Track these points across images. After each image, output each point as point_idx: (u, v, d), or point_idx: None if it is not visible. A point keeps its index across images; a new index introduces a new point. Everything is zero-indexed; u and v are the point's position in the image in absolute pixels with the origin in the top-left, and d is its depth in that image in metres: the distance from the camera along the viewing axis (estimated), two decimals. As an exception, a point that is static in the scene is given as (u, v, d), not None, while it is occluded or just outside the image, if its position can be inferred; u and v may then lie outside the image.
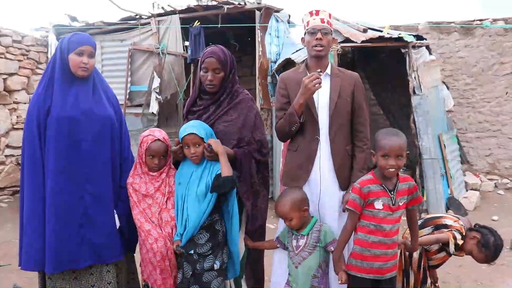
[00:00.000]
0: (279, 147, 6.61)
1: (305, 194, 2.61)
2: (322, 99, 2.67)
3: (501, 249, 2.74)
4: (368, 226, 2.39)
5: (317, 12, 2.65)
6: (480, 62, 8.00)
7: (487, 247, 2.72)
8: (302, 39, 2.76)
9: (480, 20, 7.91)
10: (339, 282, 2.45)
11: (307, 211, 2.59)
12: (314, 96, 2.60)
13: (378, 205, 2.36)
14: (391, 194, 2.37)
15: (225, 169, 2.44)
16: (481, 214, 6.12)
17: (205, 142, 2.51)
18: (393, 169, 2.31)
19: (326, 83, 2.67)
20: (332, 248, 2.52)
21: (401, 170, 2.46)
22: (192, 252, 2.48)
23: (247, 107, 2.68)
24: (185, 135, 2.51)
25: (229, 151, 2.54)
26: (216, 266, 2.50)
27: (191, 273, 2.48)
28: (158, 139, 2.56)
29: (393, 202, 2.37)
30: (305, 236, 2.57)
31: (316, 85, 2.49)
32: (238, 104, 2.67)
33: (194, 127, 2.54)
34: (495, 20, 7.81)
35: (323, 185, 2.65)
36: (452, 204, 6.06)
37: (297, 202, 2.55)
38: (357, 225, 2.45)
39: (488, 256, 2.72)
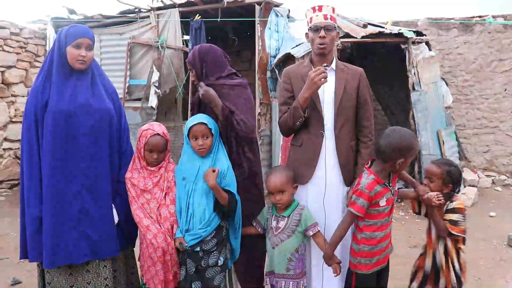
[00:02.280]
0: (278, 141, 6.60)
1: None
2: (327, 94, 2.66)
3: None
4: (375, 224, 2.43)
5: (320, 8, 2.63)
6: (479, 58, 8.00)
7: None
8: (306, 34, 2.75)
9: (480, 16, 7.89)
10: (335, 274, 2.49)
11: (296, 189, 2.64)
12: (319, 90, 2.58)
13: (383, 202, 2.41)
14: (390, 187, 2.44)
15: (220, 199, 2.48)
16: (478, 210, 6.14)
17: (213, 135, 2.53)
18: None
19: (331, 77, 2.66)
20: (311, 233, 2.55)
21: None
22: (198, 249, 2.47)
23: (233, 94, 2.68)
24: (194, 125, 2.51)
25: (215, 97, 2.59)
26: (220, 262, 2.50)
27: (194, 269, 2.48)
28: (158, 134, 2.55)
29: (392, 193, 2.47)
30: (286, 218, 2.59)
31: (322, 80, 2.48)
32: (226, 93, 2.67)
33: (203, 117, 2.55)
34: (494, 17, 7.80)
35: (328, 181, 2.65)
36: (450, 200, 6.07)
37: (290, 176, 2.60)
38: (362, 225, 2.47)
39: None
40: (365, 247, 2.45)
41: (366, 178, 2.43)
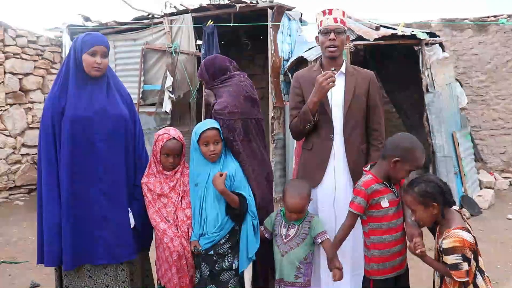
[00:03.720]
0: (292, 145, 6.61)
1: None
2: (337, 98, 2.67)
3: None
4: (380, 227, 2.38)
5: (330, 11, 2.64)
6: (494, 58, 7.90)
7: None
8: (316, 38, 2.76)
9: (495, 16, 7.80)
10: (333, 279, 2.44)
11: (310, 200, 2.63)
12: (328, 94, 2.59)
13: (385, 203, 2.36)
14: (392, 188, 2.39)
15: (230, 202, 2.50)
16: (495, 212, 6.06)
17: (222, 139, 2.55)
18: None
19: (340, 81, 2.66)
20: (320, 240, 2.51)
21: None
22: (212, 252, 2.49)
23: (223, 87, 2.73)
24: (206, 130, 2.52)
25: (209, 98, 2.74)
26: (235, 266, 2.51)
27: (208, 273, 2.49)
28: (174, 138, 2.58)
29: (396, 195, 2.40)
30: (296, 226, 2.56)
31: (330, 83, 2.48)
32: (218, 90, 2.75)
33: (212, 122, 2.57)
34: (510, 16, 7.70)
35: (337, 184, 2.65)
36: (466, 203, 6.00)
37: (309, 193, 2.58)
38: (367, 229, 2.43)
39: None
40: (374, 252, 2.39)
41: (363, 178, 2.43)
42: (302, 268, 2.55)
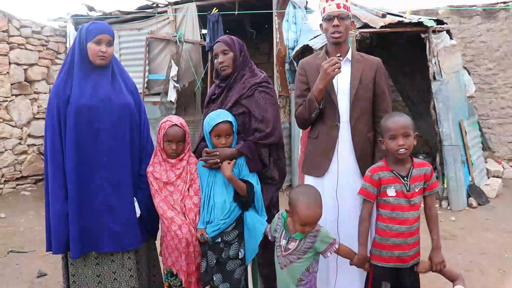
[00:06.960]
0: (297, 134, 6.58)
1: None
2: (343, 85, 2.63)
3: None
4: (384, 214, 2.35)
5: None
6: (503, 46, 7.80)
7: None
8: (321, 25, 2.72)
9: (504, 2, 7.68)
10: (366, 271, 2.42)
11: None
12: (334, 81, 2.56)
13: (391, 192, 2.32)
14: (404, 180, 2.32)
15: (238, 189, 2.49)
16: (503, 201, 6.03)
17: (233, 132, 2.53)
18: (403, 150, 2.26)
19: (347, 68, 2.62)
20: (329, 254, 2.29)
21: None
22: (219, 240, 2.49)
23: (261, 99, 2.67)
24: (219, 123, 2.50)
25: (233, 151, 2.55)
26: (241, 255, 2.51)
27: (215, 261, 2.49)
28: (175, 124, 2.58)
29: (408, 189, 2.31)
30: (298, 240, 2.28)
31: (336, 70, 2.45)
32: (255, 99, 2.67)
33: (226, 114, 2.55)
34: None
35: (344, 173, 2.62)
36: (473, 192, 5.97)
37: (321, 202, 2.27)
38: (377, 214, 2.41)
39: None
40: (376, 237, 2.39)
41: (376, 164, 2.42)
42: (304, 280, 2.30)
